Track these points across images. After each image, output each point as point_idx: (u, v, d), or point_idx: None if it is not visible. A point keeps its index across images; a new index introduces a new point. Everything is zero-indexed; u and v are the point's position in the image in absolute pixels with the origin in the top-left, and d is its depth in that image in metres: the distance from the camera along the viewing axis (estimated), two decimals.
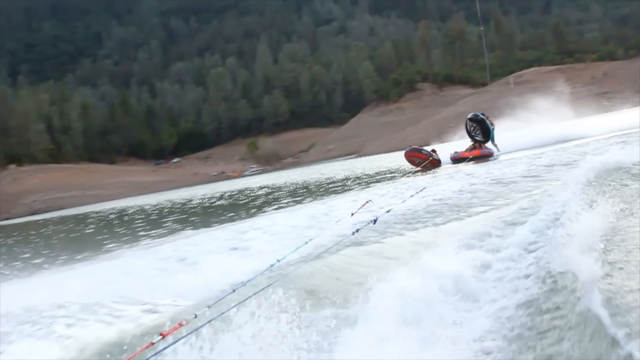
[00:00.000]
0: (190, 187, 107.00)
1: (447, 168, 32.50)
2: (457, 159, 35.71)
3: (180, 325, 6.15)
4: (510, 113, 65.32)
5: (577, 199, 9.51)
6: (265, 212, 27.21)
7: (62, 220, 64.79)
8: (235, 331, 6.61)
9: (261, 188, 52.10)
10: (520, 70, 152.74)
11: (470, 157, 34.94)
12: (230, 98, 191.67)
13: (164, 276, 13.24)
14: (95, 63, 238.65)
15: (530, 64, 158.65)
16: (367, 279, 7.83)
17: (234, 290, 7.27)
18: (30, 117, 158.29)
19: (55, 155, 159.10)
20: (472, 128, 37.86)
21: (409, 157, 38.23)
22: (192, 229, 24.49)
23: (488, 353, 6.10)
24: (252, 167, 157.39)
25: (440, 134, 79.84)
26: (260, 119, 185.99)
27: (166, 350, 5.85)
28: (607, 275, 5.67)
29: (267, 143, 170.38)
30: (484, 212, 13.20)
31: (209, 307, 6.81)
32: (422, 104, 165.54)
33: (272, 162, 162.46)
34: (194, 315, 6.45)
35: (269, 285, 7.30)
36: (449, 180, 21.60)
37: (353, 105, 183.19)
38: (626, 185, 11.27)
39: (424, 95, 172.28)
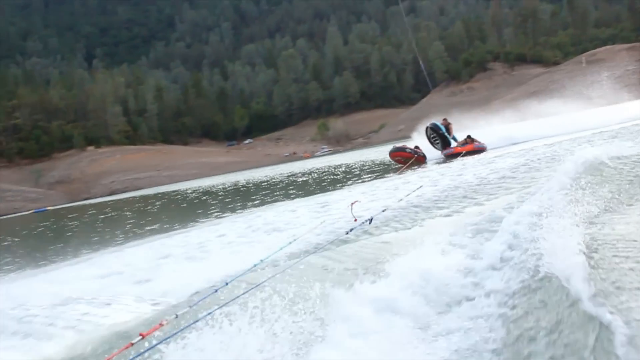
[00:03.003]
0: (264, 168, 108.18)
1: (441, 164, 31.85)
2: (450, 155, 35.62)
3: (161, 325, 6.15)
4: (570, 94, 64.63)
5: (562, 194, 9.32)
6: (274, 203, 27.31)
7: (144, 199, 66.55)
8: (216, 332, 6.50)
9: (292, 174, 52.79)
10: (594, 48, 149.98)
11: (464, 152, 34.91)
12: (300, 79, 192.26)
13: (151, 273, 13.42)
14: (168, 46, 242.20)
15: (604, 42, 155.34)
16: (355, 280, 7.81)
17: (216, 291, 7.31)
18: (107, 100, 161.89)
19: (131, 137, 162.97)
20: (432, 136, 38.20)
21: (394, 157, 38.15)
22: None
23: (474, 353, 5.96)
24: (323, 148, 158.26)
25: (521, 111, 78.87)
26: (330, 100, 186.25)
27: (145, 351, 5.83)
28: (595, 268, 5.61)
29: (337, 124, 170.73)
30: (471, 208, 13.01)
31: (190, 307, 6.89)
32: (493, 84, 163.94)
33: (342, 142, 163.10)
34: (174, 316, 6.49)
35: (256, 286, 7.19)
36: (445, 177, 21.24)
37: (423, 86, 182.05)
38: (613, 179, 11.07)
39: (495, 74, 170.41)
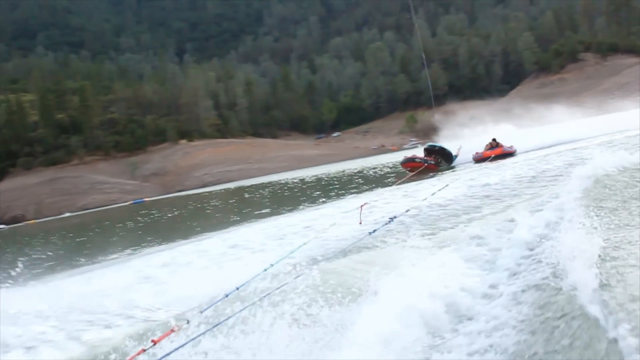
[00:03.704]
0: (353, 160, 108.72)
1: (470, 168, 31.47)
2: (479, 160, 35.64)
3: (172, 331, 6.11)
4: None
5: (574, 205, 9.38)
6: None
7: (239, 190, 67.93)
8: (227, 338, 6.56)
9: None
10: None
11: (493, 156, 34.84)
12: (388, 72, 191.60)
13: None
14: (257, 40, 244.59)
15: None
16: (368, 284, 7.65)
17: (226, 296, 7.22)
18: (199, 94, 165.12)
19: (222, 130, 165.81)
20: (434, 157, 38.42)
21: (406, 168, 38.37)
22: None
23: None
24: (412, 140, 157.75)
25: (602, 105, 77.28)
26: (418, 92, 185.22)
27: (158, 357, 5.81)
28: (605, 281, 5.63)
29: (425, 116, 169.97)
30: (488, 215, 12.66)
31: (201, 312, 6.82)
32: (584, 75, 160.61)
33: (430, 135, 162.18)
34: (186, 321, 6.44)
35: (268, 294, 7.10)
36: (471, 181, 20.78)
37: (512, 77, 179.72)
38: (624, 190, 10.88)
39: (587, 65, 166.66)
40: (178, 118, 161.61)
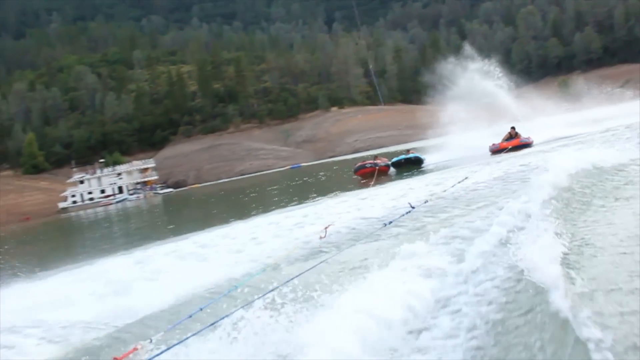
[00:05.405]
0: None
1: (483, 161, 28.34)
2: (496, 151, 34.61)
3: (135, 349, 5.98)
4: None
5: (543, 205, 9.24)
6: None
7: None
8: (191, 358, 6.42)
9: None
10: None
11: (510, 147, 33.74)
12: (540, 36, 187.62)
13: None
14: (405, 6, 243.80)
15: None
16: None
17: (190, 316, 7.04)
18: (350, 62, 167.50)
19: (372, 98, 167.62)
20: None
21: (359, 175, 38.11)
22: None
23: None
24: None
25: None
26: (571, 56, 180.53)
27: None
28: (572, 279, 5.74)
29: (578, 81, 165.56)
30: (465, 215, 12.29)
31: (165, 332, 6.62)
32: None
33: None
34: (149, 340, 6.26)
35: (233, 312, 6.89)
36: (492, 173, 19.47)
37: None
38: (592, 189, 10.89)
39: None
40: (329, 86, 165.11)
